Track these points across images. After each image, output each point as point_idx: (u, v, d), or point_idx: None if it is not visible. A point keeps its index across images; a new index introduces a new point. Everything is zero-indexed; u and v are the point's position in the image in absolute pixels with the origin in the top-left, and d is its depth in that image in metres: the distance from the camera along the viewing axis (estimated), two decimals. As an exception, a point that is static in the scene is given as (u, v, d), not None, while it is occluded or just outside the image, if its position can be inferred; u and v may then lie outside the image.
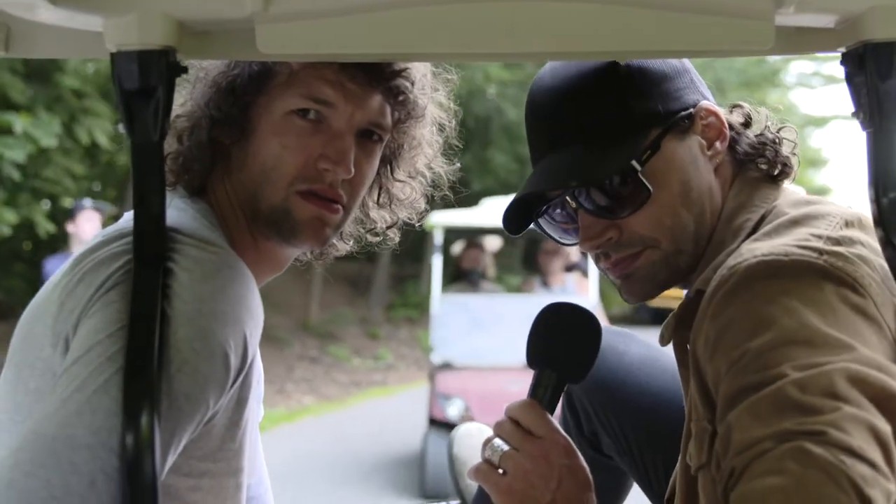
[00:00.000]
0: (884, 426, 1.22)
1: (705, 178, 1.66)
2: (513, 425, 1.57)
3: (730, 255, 1.54)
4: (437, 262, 9.25)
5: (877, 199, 1.43)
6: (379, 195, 1.89)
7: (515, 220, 1.74)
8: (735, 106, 1.74)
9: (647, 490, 2.05)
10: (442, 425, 7.94)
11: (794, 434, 1.20)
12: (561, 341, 1.65)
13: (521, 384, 7.38)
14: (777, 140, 1.69)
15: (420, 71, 1.79)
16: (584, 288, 9.53)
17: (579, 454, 1.58)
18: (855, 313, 1.34)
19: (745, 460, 1.22)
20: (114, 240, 1.49)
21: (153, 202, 1.33)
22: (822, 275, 1.37)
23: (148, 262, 1.33)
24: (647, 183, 1.62)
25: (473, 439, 2.03)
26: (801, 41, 1.49)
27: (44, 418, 1.31)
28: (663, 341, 1.70)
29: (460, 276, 9.71)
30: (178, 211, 1.62)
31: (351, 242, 1.93)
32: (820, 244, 1.42)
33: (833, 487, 1.16)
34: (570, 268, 9.61)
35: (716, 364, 1.37)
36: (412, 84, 1.76)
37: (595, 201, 1.65)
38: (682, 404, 1.65)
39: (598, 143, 1.64)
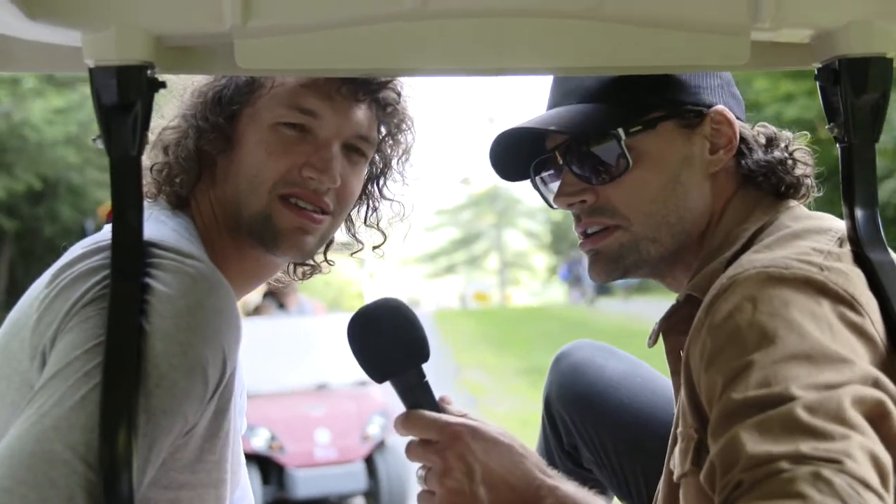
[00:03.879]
0: (884, 455, 1.22)
1: (697, 178, 1.66)
2: (413, 445, 1.56)
3: (724, 264, 1.55)
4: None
5: (851, 214, 1.44)
6: (367, 214, 1.89)
7: (507, 166, 1.76)
8: (761, 125, 1.74)
9: (627, 502, 2.05)
10: (250, 458, 7.39)
11: (811, 459, 1.18)
12: (382, 343, 1.60)
13: (321, 407, 7.33)
14: (787, 160, 1.68)
15: (407, 83, 1.80)
16: (320, 308, 9.48)
17: (487, 424, 1.55)
18: (850, 331, 1.34)
19: (757, 476, 1.20)
20: (92, 254, 1.49)
21: (131, 216, 1.33)
22: (821, 290, 1.37)
23: (125, 276, 1.33)
24: (627, 155, 1.63)
25: None
26: (777, 56, 1.51)
27: (21, 434, 1.31)
28: (651, 342, 1.71)
29: None
30: (158, 224, 1.62)
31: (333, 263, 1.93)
32: (820, 259, 1.42)
33: None
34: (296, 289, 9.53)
35: (712, 374, 1.37)
36: (399, 95, 1.77)
37: (578, 161, 1.67)
38: (662, 418, 1.65)
39: (594, 105, 1.66)
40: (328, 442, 7.67)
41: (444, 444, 1.51)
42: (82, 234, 13.44)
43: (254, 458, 7.39)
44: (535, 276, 59.75)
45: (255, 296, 9.13)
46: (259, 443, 7.50)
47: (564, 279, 42.77)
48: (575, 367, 2.09)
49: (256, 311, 9.17)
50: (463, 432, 1.51)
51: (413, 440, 1.56)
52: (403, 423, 1.56)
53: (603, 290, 34.50)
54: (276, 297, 9.14)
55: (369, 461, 7.79)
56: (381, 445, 7.91)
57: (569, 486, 1.47)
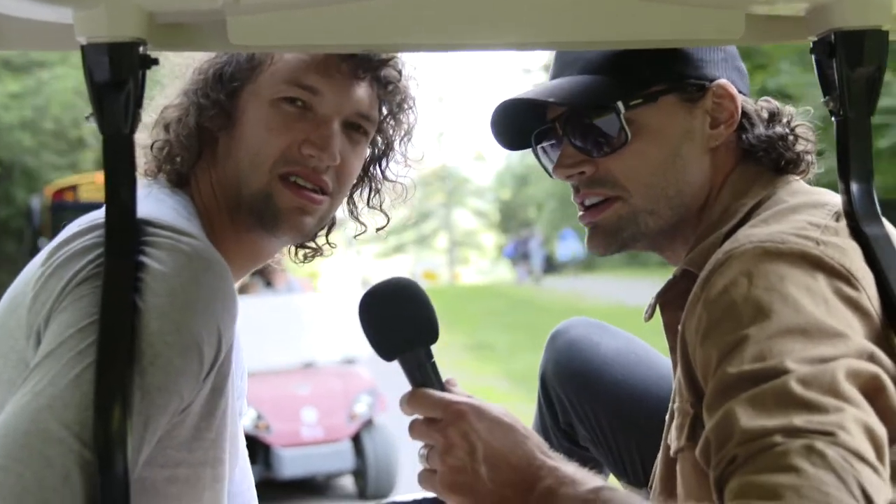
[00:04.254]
0: (879, 428, 1.23)
1: (697, 152, 1.65)
2: (416, 423, 1.56)
3: (722, 238, 1.55)
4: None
5: (847, 188, 1.44)
6: (370, 196, 1.88)
7: (509, 136, 1.76)
8: (764, 99, 1.73)
9: (623, 481, 2.06)
10: None
11: (805, 432, 1.19)
12: (393, 320, 1.59)
13: (307, 386, 7.36)
14: (789, 136, 1.67)
15: (409, 63, 1.78)
16: (310, 285, 9.44)
17: (490, 404, 1.55)
18: (846, 305, 1.34)
19: (751, 450, 1.21)
20: (87, 232, 1.48)
21: (124, 194, 1.32)
22: (817, 264, 1.37)
23: (119, 254, 1.33)
24: (626, 128, 1.62)
25: None
26: (772, 30, 1.50)
27: (16, 412, 1.31)
28: (647, 316, 1.71)
29: None
30: (156, 202, 1.62)
31: (336, 246, 1.92)
32: (817, 234, 1.42)
33: (844, 491, 1.15)
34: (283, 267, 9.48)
35: (707, 349, 1.37)
36: (400, 74, 1.76)
37: (578, 132, 1.66)
38: (657, 394, 1.65)
39: (595, 77, 1.65)
40: (314, 421, 7.66)
41: (447, 422, 1.51)
42: (30, 213, 13.53)
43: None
44: (484, 255, 59.84)
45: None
46: (245, 422, 7.42)
47: (509, 257, 42.56)
48: (570, 345, 2.09)
49: (243, 289, 9.15)
50: (467, 411, 1.52)
51: (417, 418, 1.56)
52: (409, 400, 1.56)
53: (550, 268, 34.75)
54: (264, 275, 9.04)
55: (356, 440, 7.79)
56: (368, 424, 7.88)
57: (569, 467, 1.47)
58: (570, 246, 34.18)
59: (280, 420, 7.59)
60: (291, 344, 8.16)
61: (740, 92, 1.68)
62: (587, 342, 2.05)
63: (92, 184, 11.37)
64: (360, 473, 7.86)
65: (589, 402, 2.03)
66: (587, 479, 1.44)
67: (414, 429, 1.56)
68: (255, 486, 1.97)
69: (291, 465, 7.53)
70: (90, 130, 22.48)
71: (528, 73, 43.05)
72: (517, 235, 43.07)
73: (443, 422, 1.51)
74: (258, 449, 7.56)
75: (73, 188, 11.99)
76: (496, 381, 12.91)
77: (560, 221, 38.89)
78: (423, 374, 1.57)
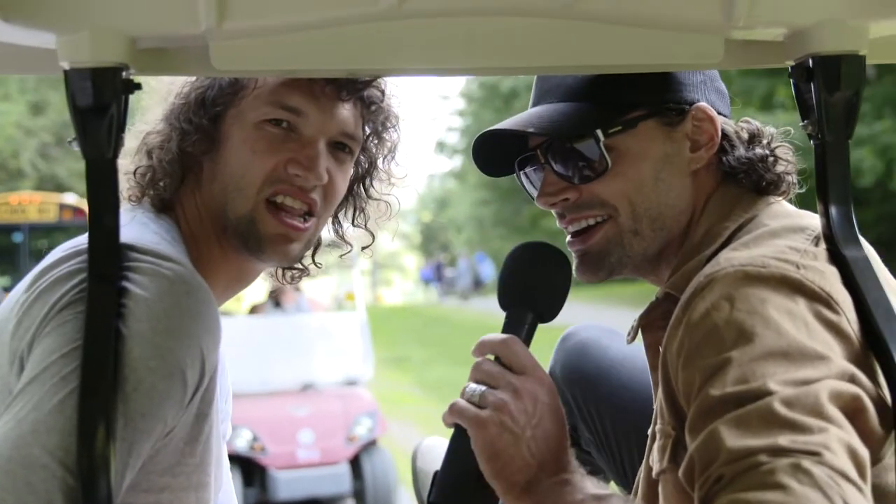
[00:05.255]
0: (861, 448, 1.23)
1: (678, 175, 1.66)
2: (492, 363, 1.54)
3: (703, 262, 1.55)
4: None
5: (826, 211, 1.45)
6: (354, 214, 1.88)
7: (491, 163, 1.78)
8: (744, 120, 1.74)
9: (623, 487, 2.05)
10: (232, 459, 7.06)
11: (790, 451, 1.19)
12: (536, 278, 1.62)
13: (305, 408, 7.11)
14: (768, 157, 1.68)
15: (391, 82, 1.79)
16: (318, 306, 9.41)
17: (558, 397, 1.55)
18: (826, 329, 1.35)
19: (736, 470, 1.21)
20: (71, 257, 1.48)
21: (107, 219, 1.33)
22: (798, 288, 1.38)
23: (102, 279, 1.33)
24: (606, 155, 1.63)
25: (436, 451, 2.01)
26: (751, 54, 1.51)
27: None
28: (630, 339, 1.72)
29: None
30: (140, 226, 1.61)
31: (322, 266, 1.92)
32: (797, 258, 1.43)
33: None
34: (298, 287, 9.57)
35: (689, 372, 1.37)
36: (383, 94, 1.76)
37: (559, 160, 1.67)
38: None
39: (575, 104, 1.66)
40: (311, 443, 7.58)
41: (527, 378, 1.50)
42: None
43: (236, 460, 7.29)
44: (407, 277, 60.08)
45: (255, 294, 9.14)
46: (241, 443, 7.40)
47: (426, 279, 44.14)
48: (579, 347, 2.11)
49: (254, 310, 9.15)
50: (549, 382, 1.52)
51: (490, 360, 1.54)
52: (505, 340, 1.54)
53: (476, 289, 36.35)
54: (274, 296, 9.07)
55: (355, 463, 7.70)
56: (368, 446, 7.78)
57: (588, 482, 1.49)
58: (486, 269, 36.55)
59: (275, 442, 7.50)
60: (292, 365, 8.10)
61: (720, 113, 1.69)
62: (596, 345, 2.06)
63: (6, 204, 11.31)
64: (358, 496, 7.76)
65: (595, 404, 2.04)
66: (602, 485, 1.47)
67: (482, 368, 1.53)
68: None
69: (286, 487, 7.43)
70: (27, 161, 23.04)
71: (445, 99, 43.88)
72: (435, 258, 44.02)
73: (523, 375, 1.51)
74: (254, 471, 7.48)
75: None
76: (411, 389, 14.69)
77: (476, 245, 40.79)
78: (523, 333, 1.59)
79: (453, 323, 24.85)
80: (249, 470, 7.46)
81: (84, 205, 10.22)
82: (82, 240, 1.54)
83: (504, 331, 1.59)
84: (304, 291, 9.34)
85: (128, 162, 1.70)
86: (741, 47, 1.49)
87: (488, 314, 26.06)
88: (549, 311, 1.62)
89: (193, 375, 1.42)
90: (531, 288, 1.61)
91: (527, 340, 1.59)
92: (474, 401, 1.50)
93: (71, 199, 11.19)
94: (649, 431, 1.62)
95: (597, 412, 2.05)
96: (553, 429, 1.50)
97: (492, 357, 1.54)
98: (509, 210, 34.33)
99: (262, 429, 7.51)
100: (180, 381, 1.40)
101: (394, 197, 1.92)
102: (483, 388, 1.51)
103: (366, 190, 1.87)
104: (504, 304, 1.62)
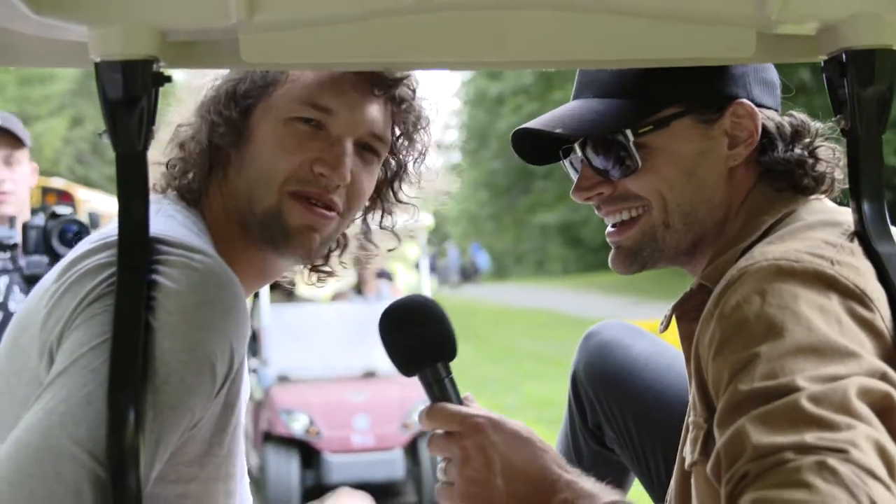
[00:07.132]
0: (890, 446, 1.22)
1: (714, 171, 1.65)
2: (435, 437, 1.57)
3: (738, 255, 1.55)
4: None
5: (858, 207, 1.43)
6: (382, 217, 1.88)
7: (534, 153, 1.79)
8: (789, 114, 1.71)
9: (648, 485, 2.05)
10: (283, 441, 7.56)
11: (817, 449, 1.19)
12: (412, 337, 1.60)
13: (363, 394, 7.32)
14: (807, 160, 1.65)
15: (422, 83, 1.78)
16: (398, 293, 9.47)
17: (505, 418, 1.56)
18: (859, 326, 1.34)
19: (762, 467, 1.21)
20: (100, 250, 1.48)
21: (137, 211, 1.33)
22: (831, 284, 1.37)
23: (132, 272, 1.33)
24: (637, 154, 1.63)
25: None
26: (783, 48, 1.50)
27: (28, 429, 1.31)
28: (662, 328, 1.73)
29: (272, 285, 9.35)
30: (167, 218, 1.61)
31: (350, 266, 1.92)
32: (832, 253, 1.42)
33: None
34: (381, 275, 9.55)
35: (719, 364, 1.37)
36: (413, 93, 1.76)
37: (594, 156, 1.68)
38: (685, 401, 1.65)
39: (608, 101, 1.67)
40: (366, 428, 7.64)
41: (465, 434, 1.52)
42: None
43: (294, 443, 7.47)
44: (409, 267, 60.80)
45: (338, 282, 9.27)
46: (297, 427, 7.54)
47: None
48: (603, 346, 2.11)
49: (336, 297, 9.22)
50: (484, 424, 1.52)
51: (436, 432, 1.57)
52: (427, 415, 1.57)
53: (465, 277, 38.03)
54: (357, 284, 9.18)
55: (412, 449, 7.74)
56: (425, 433, 7.80)
57: (586, 482, 1.48)
58: (481, 259, 39.02)
59: (331, 426, 7.58)
60: (356, 351, 8.15)
61: (765, 106, 1.66)
62: (619, 344, 2.07)
63: None
64: (415, 482, 7.84)
65: (617, 403, 2.04)
66: (603, 493, 1.45)
67: (432, 443, 1.57)
68: (308, 491, 1.98)
69: (340, 471, 7.47)
70: (65, 165, 23.88)
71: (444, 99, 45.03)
72: (432, 250, 44.98)
73: (460, 435, 1.52)
74: (311, 454, 7.59)
75: None
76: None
77: (471, 237, 43.33)
78: (441, 389, 1.58)
79: (445, 308, 26.76)
80: (307, 453, 7.56)
81: (71, 189, 10.23)
82: (111, 231, 1.55)
83: (428, 395, 1.59)
84: (391, 280, 9.39)
85: (157, 153, 1.70)
86: (773, 41, 1.48)
87: (477, 300, 28.97)
88: (445, 351, 1.60)
89: (222, 368, 1.43)
90: (412, 347, 1.60)
91: (451, 390, 1.59)
92: (444, 477, 1.55)
93: (58, 182, 11.09)
94: (684, 422, 1.62)
95: (620, 411, 2.05)
96: (520, 457, 1.50)
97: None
98: (504, 205, 37.80)
99: (318, 413, 7.62)
100: (209, 373, 1.41)
101: (423, 200, 1.91)
102: (443, 463, 1.55)
103: (394, 193, 1.87)
104: (407, 373, 1.61)
